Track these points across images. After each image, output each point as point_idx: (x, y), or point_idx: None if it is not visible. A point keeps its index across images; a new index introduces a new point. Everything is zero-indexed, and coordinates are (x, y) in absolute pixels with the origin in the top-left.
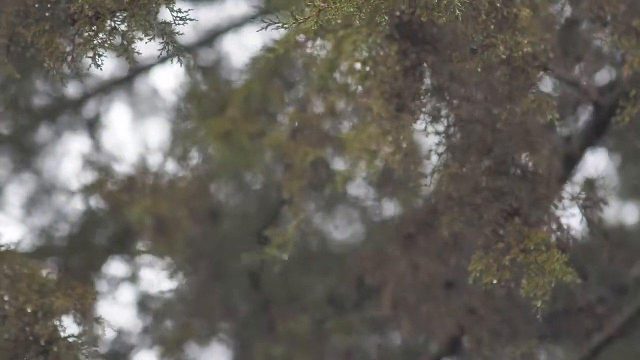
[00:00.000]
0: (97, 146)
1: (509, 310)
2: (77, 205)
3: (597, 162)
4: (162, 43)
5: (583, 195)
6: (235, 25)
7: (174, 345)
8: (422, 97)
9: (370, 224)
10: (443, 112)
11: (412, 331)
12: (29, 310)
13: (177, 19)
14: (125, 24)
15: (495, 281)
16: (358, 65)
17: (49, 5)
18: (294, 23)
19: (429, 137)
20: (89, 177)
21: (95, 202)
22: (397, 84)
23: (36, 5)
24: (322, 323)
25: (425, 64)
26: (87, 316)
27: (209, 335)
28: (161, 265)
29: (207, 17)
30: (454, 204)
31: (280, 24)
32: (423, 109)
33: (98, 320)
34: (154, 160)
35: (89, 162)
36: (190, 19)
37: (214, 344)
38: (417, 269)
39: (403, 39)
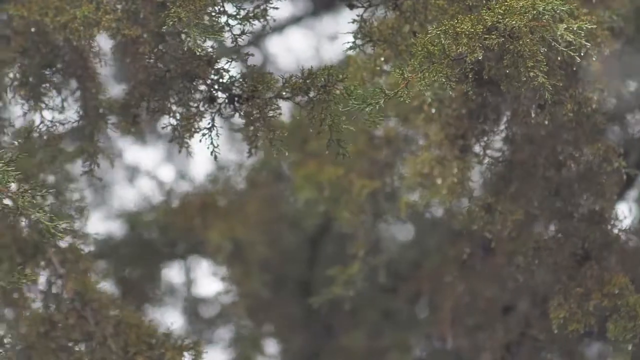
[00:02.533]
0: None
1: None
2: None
3: None
4: None
5: None
6: (279, 27)
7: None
8: (486, 139)
9: (428, 245)
10: (507, 153)
11: (467, 350)
12: None
13: None
14: None
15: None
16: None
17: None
18: (385, 98)
19: (492, 178)
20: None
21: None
22: (462, 125)
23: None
24: (378, 339)
25: (489, 106)
26: None
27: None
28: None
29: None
30: (528, 248)
31: (370, 103)
32: (487, 151)
33: None
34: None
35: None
36: None
37: None
38: (475, 292)
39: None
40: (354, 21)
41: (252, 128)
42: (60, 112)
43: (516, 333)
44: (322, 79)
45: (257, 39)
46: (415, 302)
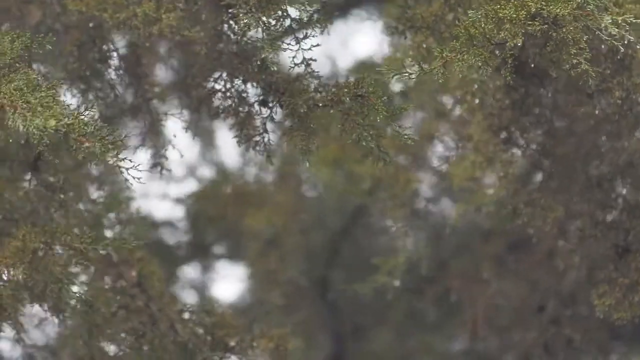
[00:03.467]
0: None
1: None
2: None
3: None
4: None
5: None
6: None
7: None
8: (529, 131)
9: (459, 243)
10: (548, 146)
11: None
12: (231, 344)
13: None
14: None
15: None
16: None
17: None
18: (420, 73)
19: (534, 171)
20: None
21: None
22: (505, 116)
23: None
24: (405, 341)
25: (532, 98)
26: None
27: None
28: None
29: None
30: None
31: (405, 74)
32: (531, 144)
33: None
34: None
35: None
36: None
37: None
38: (508, 291)
39: (513, 71)
40: (398, 6)
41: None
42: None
43: (550, 332)
44: (358, 89)
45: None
46: (442, 303)
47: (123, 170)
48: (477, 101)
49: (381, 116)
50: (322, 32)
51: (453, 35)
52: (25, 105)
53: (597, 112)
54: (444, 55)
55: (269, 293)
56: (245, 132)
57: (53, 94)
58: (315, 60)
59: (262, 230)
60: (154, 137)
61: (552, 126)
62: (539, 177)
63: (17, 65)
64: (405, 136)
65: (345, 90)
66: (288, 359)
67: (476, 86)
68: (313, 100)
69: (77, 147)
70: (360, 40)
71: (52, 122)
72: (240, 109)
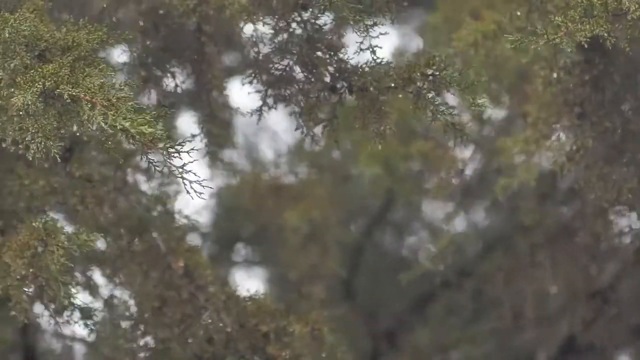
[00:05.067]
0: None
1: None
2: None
3: None
4: None
5: None
6: None
7: None
8: (603, 108)
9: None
10: (617, 124)
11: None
12: (264, 330)
13: None
14: None
15: None
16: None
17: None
18: (546, 42)
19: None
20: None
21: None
22: (581, 92)
23: None
24: (444, 335)
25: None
26: (321, 342)
27: None
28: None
29: None
30: None
31: (521, 40)
32: (604, 121)
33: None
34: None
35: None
36: None
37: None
38: (557, 278)
39: (591, 48)
40: None
41: (364, 119)
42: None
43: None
44: (429, 68)
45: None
46: (479, 297)
47: (186, 182)
48: (554, 75)
49: (456, 89)
50: (392, 22)
51: (570, 5)
52: (105, 103)
53: None
54: (568, 25)
55: (309, 287)
56: (313, 117)
57: (129, 93)
58: (380, 47)
59: (301, 224)
60: (212, 126)
61: (625, 103)
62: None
63: (93, 58)
64: (480, 106)
65: (417, 69)
66: (324, 343)
67: (563, 61)
68: (384, 82)
69: (143, 152)
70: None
71: (148, 130)
72: (310, 95)
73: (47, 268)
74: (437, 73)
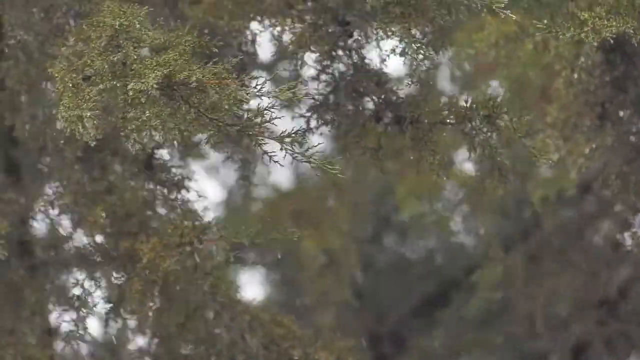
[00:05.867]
0: None
1: None
2: None
3: None
4: None
5: None
6: None
7: None
8: (625, 109)
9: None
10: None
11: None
12: (294, 357)
13: None
14: None
15: None
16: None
17: None
18: (573, 36)
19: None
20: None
21: None
22: (604, 93)
23: None
24: (455, 339)
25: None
26: None
27: None
28: None
29: None
30: None
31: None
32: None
33: None
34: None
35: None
36: None
37: None
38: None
39: (612, 50)
40: None
41: (415, 151)
42: None
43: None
44: (487, 109)
45: None
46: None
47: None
48: (575, 76)
49: (516, 135)
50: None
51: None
52: (238, 82)
53: None
54: (594, 21)
55: (321, 314)
56: (360, 145)
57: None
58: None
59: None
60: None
61: None
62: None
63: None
64: (537, 154)
65: (474, 107)
66: None
67: (582, 59)
68: (439, 117)
69: (254, 141)
70: None
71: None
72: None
73: None
74: (494, 114)
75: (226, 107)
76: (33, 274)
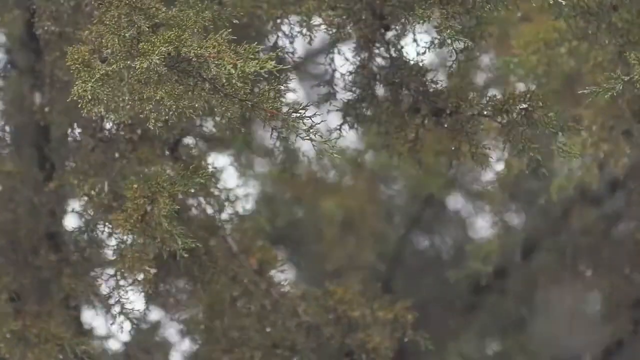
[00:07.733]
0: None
1: None
2: None
3: None
4: None
5: None
6: None
7: None
8: None
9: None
10: None
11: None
12: (354, 315)
13: None
14: None
15: None
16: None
17: None
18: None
19: None
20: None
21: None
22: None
23: None
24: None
25: None
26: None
27: None
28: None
29: None
30: None
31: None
32: None
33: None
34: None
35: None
36: None
37: None
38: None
39: None
40: None
41: (455, 141)
42: None
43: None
44: (524, 102)
45: None
46: (526, 301)
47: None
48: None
49: (552, 131)
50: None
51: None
52: (233, 55)
53: None
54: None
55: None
56: (397, 137)
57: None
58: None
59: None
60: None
61: None
62: None
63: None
64: (570, 154)
65: (511, 101)
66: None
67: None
68: (477, 109)
69: (265, 118)
70: None
71: (270, 64)
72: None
73: None
74: (532, 109)
75: (234, 81)
76: (69, 270)
